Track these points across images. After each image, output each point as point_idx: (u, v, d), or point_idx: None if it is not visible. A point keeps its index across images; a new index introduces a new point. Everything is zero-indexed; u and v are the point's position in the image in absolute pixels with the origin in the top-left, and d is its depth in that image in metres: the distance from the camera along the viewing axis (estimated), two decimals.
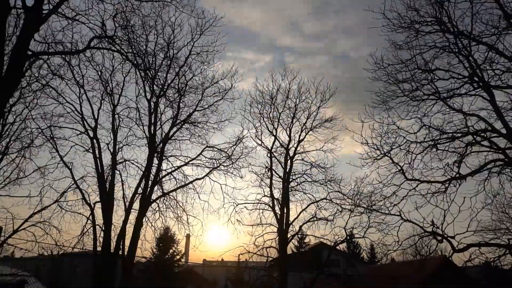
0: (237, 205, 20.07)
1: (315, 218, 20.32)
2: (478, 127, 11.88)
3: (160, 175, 17.86)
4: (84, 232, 16.43)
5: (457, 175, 11.88)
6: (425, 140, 12.59)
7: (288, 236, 20.38)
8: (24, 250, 15.84)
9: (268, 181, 21.38)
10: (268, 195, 20.99)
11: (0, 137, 15.15)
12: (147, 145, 17.77)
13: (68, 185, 16.89)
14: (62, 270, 40.25)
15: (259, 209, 20.74)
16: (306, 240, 39.07)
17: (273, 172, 21.61)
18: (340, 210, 19.74)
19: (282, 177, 21.44)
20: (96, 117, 17.50)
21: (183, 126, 18.76)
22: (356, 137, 13.44)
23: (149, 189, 16.91)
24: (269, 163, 21.74)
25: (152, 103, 17.88)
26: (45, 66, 13.94)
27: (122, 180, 17.74)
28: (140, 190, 17.00)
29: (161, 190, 17.94)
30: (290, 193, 21.10)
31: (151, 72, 16.72)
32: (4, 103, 8.99)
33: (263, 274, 23.30)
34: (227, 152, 18.98)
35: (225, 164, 18.93)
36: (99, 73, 16.87)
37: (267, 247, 19.95)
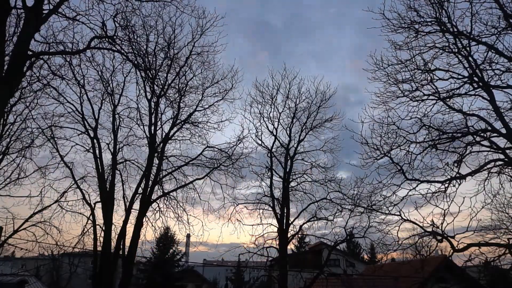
0: (237, 205, 20.15)
1: (315, 218, 20.34)
2: (478, 127, 11.83)
3: (160, 175, 17.87)
4: (84, 232, 16.51)
5: (457, 175, 11.84)
6: (425, 140, 12.54)
7: (288, 236, 20.41)
8: (25, 250, 15.99)
9: (268, 181, 21.44)
10: (268, 195, 21.03)
11: (1, 137, 15.19)
12: (147, 145, 17.80)
13: (69, 185, 17.03)
14: (62, 270, 40.30)
15: (259, 209, 20.81)
16: (306, 240, 39.16)
17: (273, 172, 21.65)
18: (340, 210, 19.80)
19: (282, 177, 21.46)
20: (96, 117, 17.58)
21: (184, 126, 18.79)
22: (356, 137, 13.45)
23: (149, 189, 16.91)
24: (269, 163, 21.79)
25: (152, 103, 17.89)
26: (46, 66, 13.92)
27: (122, 180, 17.84)
28: (140, 190, 17.02)
29: (161, 190, 17.99)
30: (290, 193, 21.13)
31: (152, 72, 16.71)
32: (4, 103, 9.00)
33: (263, 274, 23.29)
34: (228, 152, 19.03)
35: (225, 164, 18.98)
36: (100, 73, 16.89)
37: (267, 247, 19.98)
